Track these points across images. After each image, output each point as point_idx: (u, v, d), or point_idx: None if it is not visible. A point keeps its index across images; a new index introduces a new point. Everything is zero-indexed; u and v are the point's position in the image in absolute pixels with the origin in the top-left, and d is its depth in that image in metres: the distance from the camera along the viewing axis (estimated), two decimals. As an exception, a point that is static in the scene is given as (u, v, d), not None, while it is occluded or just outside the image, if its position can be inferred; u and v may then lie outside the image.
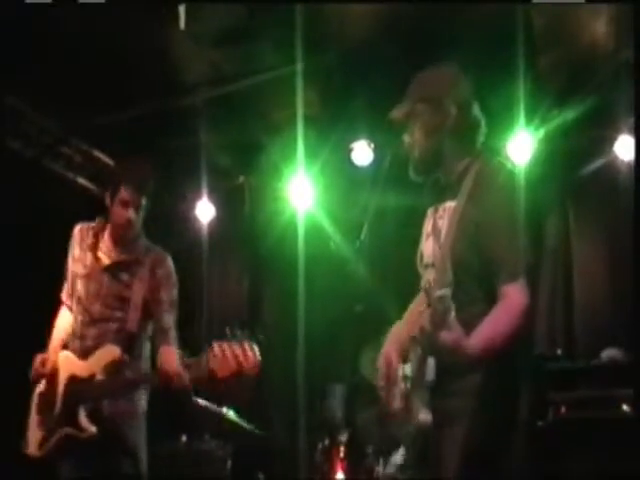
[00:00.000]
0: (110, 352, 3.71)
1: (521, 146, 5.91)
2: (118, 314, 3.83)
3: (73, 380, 3.73)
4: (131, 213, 3.83)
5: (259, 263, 7.58)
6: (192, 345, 3.94)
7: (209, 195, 7.10)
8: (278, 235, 6.86)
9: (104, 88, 5.60)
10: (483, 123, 2.95)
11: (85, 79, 5.50)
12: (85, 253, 3.96)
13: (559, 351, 5.83)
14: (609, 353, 5.38)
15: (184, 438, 5.97)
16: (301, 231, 6.48)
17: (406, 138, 2.96)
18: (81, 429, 3.60)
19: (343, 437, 5.41)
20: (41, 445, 3.69)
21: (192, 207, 7.20)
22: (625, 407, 4.91)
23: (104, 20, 4.94)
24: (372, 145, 6.45)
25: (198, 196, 7.12)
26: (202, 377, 3.51)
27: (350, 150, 6.56)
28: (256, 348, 3.43)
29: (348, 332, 6.85)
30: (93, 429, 3.58)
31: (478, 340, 2.59)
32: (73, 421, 3.62)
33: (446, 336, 2.51)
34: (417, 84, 2.98)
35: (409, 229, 5.99)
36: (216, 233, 7.26)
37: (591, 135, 6.19)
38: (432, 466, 2.73)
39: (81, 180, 6.75)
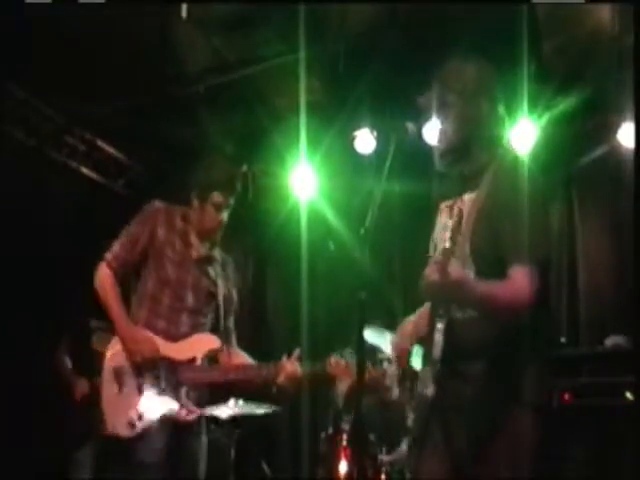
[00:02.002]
0: (210, 340, 3.82)
1: (524, 134, 5.90)
2: (207, 309, 3.91)
3: (170, 362, 3.75)
4: (224, 216, 3.95)
5: (262, 251, 7.59)
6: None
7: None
8: (281, 223, 6.87)
9: (107, 77, 5.60)
10: (506, 119, 2.96)
11: (88, 68, 5.50)
12: (174, 237, 3.95)
13: (563, 338, 5.82)
14: (613, 340, 5.37)
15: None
16: (304, 219, 6.49)
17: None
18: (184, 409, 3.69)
19: (346, 425, 5.39)
20: (132, 425, 3.67)
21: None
22: (629, 394, 4.91)
23: (106, 9, 4.93)
24: (375, 133, 6.43)
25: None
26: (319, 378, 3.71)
27: (353, 138, 6.53)
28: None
29: (351, 320, 6.84)
30: (197, 410, 3.71)
31: (480, 285, 2.61)
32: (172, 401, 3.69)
33: (453, 269, 2.50)
34: (450, 74, 2.95)
35: (414, 216, 6.06)
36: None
37: (594, 122, 6.17)
38: (437, 446, 2.74)
39: (84, 169, 6.75)
